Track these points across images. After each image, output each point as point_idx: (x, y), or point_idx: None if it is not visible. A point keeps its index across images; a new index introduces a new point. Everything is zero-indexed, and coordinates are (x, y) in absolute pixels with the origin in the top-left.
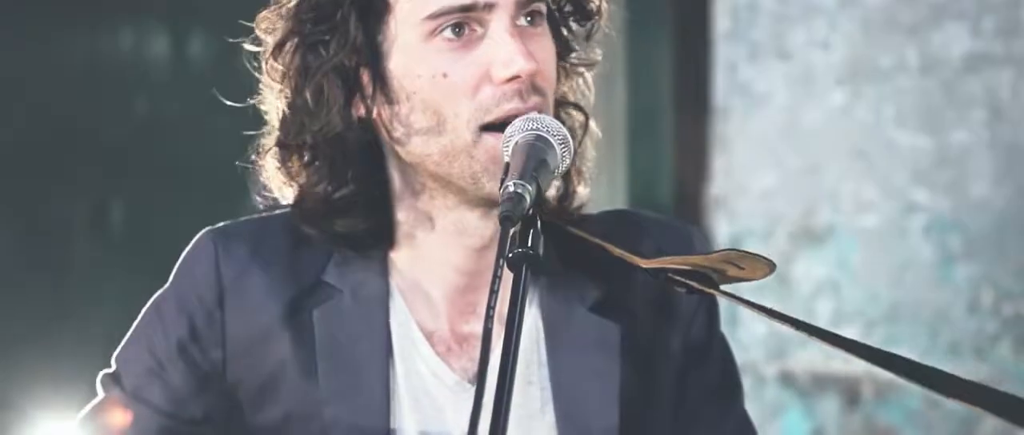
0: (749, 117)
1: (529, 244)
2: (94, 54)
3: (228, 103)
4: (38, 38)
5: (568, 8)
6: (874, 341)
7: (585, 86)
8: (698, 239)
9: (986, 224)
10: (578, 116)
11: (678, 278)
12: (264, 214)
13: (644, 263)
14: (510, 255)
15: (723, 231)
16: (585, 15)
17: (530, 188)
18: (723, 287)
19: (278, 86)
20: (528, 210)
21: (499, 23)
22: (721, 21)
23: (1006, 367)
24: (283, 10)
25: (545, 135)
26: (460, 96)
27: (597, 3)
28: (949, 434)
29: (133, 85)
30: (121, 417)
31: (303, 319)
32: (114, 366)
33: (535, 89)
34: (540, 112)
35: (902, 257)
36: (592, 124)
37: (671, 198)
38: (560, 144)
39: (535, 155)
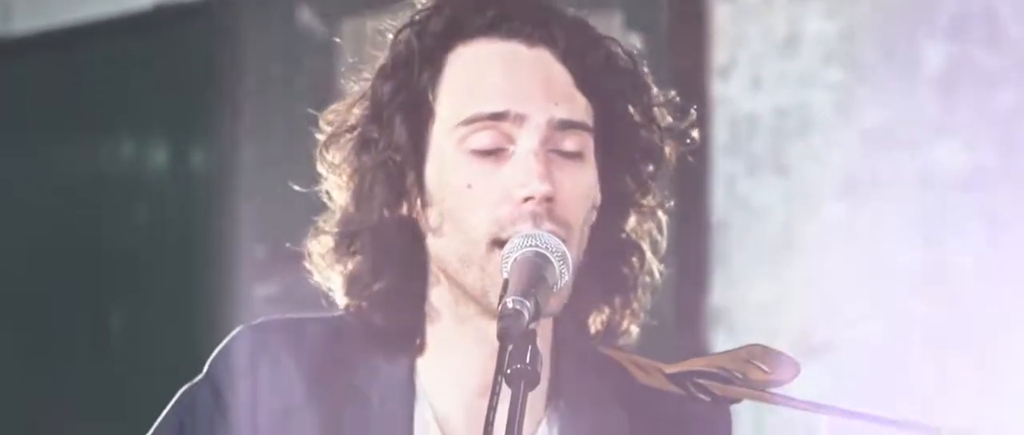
0: (748, 230)
1: (527, 360)
2: (94, 164)
3: (227, 210)
4: (39, 148)
5: (632, 147)
6: None
7: (656, 231)
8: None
9: (984, 340)
10: (637, 258)
11: (702, 382)
12: (302, 315)
13: (668, 368)
14: (508, 372)
15: (723, 343)
16: (652, 158)
17: (528, 304)
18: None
19: (333, 177)
20: (527, 326)
21: (527, 141)
22: (719, 134)
23: None
24: (348, 103)
25: (544, 251)
26: (480, 209)
27: (665, 148)
28: None
29: (133, 195)
30: None
31: (332, 420)
32: None
33: (552, 216)
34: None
35: (901, 372)
36: (655, 267)
37: (672, 310)
38: (558, 260)
39: (534, 272)
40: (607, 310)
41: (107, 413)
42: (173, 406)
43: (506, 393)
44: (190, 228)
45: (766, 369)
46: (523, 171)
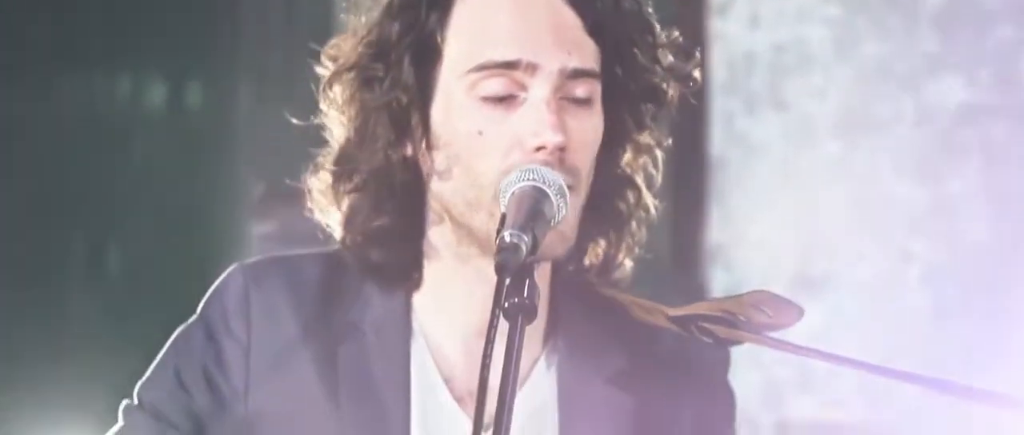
0: (746, 167)
1: (525, 294)
2: (91, 100)
3: (225, 148)
4: (35, 84)
5: (635, 88)
6: (870, 390)
7: (652, 166)
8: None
9: (982, 273)
10: (632, 193)
11: (706, 325)
12: (296, 252)
13: (671, 311)
14: (506, 305)
15: (720, 279)
16: (654, 99)
17: (526, 238)
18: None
19: (335, 113)
20: (524, 259)
21: (540, 90)
22: (718, 72)
23: None
24: (351, 39)
25: (541, 186)
26: (491, 157)
27: (667, 89)
28: None
29: (130, 131)
30: None
31: (327, 356)
32: (136, 397)
33: (563, 165)
34: (568, 189)
35: (898, 306)
36: (650, 201)
37: (669, 247)
38: (557, 195)
39: (532, 206)
40: (603, 244)
41: (103, 347)
42: (168, 349)
43: (504, 328)
44: (187, 166)
45: (770, 314)
46: (535, 120)
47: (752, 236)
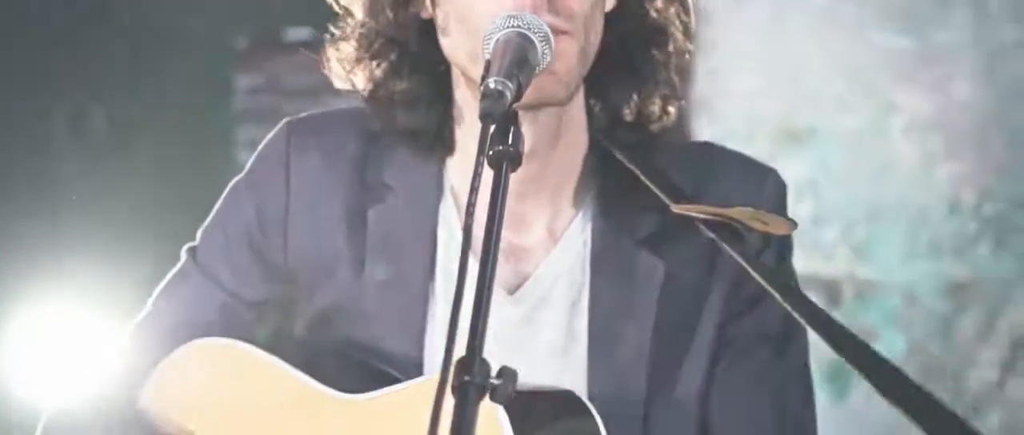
0: (731, 18)
1: (510, 141)
2: None
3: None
4: None
5: None
6: (854, 241)
7: (682, 11)
8: (772, 183)
9: (967, 124)
10: (667, 40)
11: (703, 228)
12: (344, 108)
13: (675, 208)
14: (490, 153)
15: (705, 133)
16: None
17: (510, 85)
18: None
19: None
20: (509, 106)
21: None
22: None
23: (986, 266)
24: None
25: (526, 32)
26: (484, 5)
27: None
28: (928, 334)
29: None
30: (191, 288)
31: (360, 216)
32: (198, 238)
33: (552, 8)
34: (557, 33)
35: (883, 157)
36: (685, 47)
37: None
38: (541, 41)
39: (516, 52)
40: (639, 95)
41: (88, 206)
42: (220, 203)
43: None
44: (171, 27)
45: (767, 222)
46: None
47: (737, 88)
